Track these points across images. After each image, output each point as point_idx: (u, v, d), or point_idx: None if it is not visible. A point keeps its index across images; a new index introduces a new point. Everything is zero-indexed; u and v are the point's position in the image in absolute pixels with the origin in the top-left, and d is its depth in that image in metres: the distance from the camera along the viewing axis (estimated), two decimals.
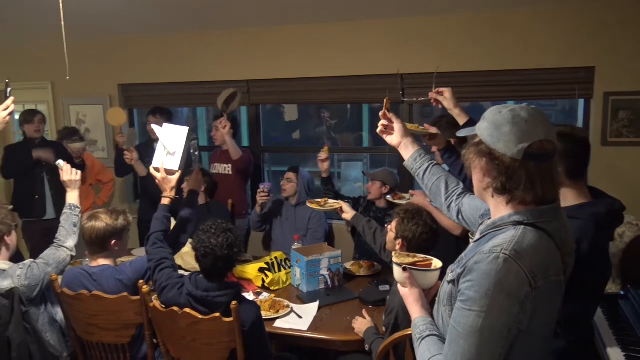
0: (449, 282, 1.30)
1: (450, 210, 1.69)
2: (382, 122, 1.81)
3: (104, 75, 4.64)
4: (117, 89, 4.70)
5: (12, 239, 2.40)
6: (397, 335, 2.00)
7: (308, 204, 3.19)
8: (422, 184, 1.75)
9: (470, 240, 1.61)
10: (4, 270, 2.30)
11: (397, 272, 1.52)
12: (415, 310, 1.44)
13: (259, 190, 3.63)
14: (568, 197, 1.71)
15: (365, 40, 3.88)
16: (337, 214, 3.20)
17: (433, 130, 2.32)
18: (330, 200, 3.19)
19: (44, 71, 4.87)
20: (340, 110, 6.79)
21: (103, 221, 2.36)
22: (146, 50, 4.50)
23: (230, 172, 3.95)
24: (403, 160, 1.81)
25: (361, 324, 2.40)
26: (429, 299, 1.51)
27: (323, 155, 3.40)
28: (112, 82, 4.68)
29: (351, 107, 6.86)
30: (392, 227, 2.38)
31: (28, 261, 2.36)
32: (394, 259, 1.57)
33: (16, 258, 2.48)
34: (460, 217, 1.66)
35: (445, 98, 2.39)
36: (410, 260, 1.59)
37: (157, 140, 3.99)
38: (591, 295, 1.75)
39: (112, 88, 4.69)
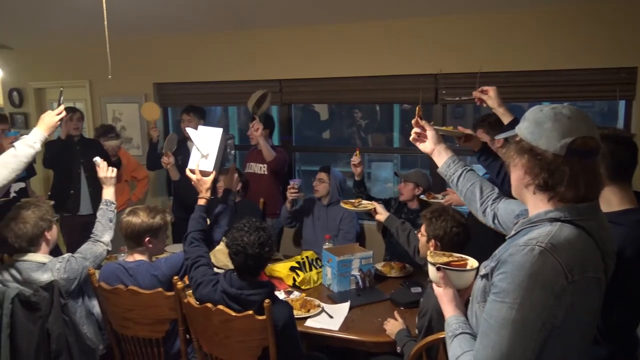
0: (482, 277, 1.29)
1: (485, 215, 1.68)
2: (415, 129, 1.81)
3: (140, 74, 4.73)
4: (152, 87, 4.79)
5: (52, 234, 2.47)
6: (430, 338, 1.97)
7: (342, 204, 3.18)
8: (457, 190, 1.75)
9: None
10: (44, 264, 2.36)
11: (432, 271, 1.51)
12: (448, 309, 1.44)
13: (289, 187, 3.65)
14: (612, 201, 1.66)
15: (399, 39, 3.85)
16: (367, 214, 3.19)
17: (468, 131, 2.29)
18: (364, 201, 3.17)
19: (83, 70, 5.00)
20: (372, 110, 6.76)
21: (140, 217, 2.41)
22: (181, 50, 4.57)
23: (266, 172, 3.98)
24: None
25: (393, 325, 2.38)
26: (464, 299, 1.49)
27: (356, 159, 3.38)
28: (148, 81, 4.77)
29: (382, 108, 6.82)
30: (422, 231, 2.37)
31: (67, 255, 2.43)
32: (429, 259, 1.56)
33: (54, 252, 2.55)
34: (496, 221, 1.65)
35: (490, 97, 2.35)
36: (445, 259, 1.58)
37: (189, 138, 4.09)
38: (634, 304, 1.70)
39: (148, 87, 4.78)
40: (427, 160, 4.08)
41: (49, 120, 2.38)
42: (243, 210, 3.55)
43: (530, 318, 1.14)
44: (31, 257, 2.36)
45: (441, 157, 1.76)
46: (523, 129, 1.27)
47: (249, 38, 4.31)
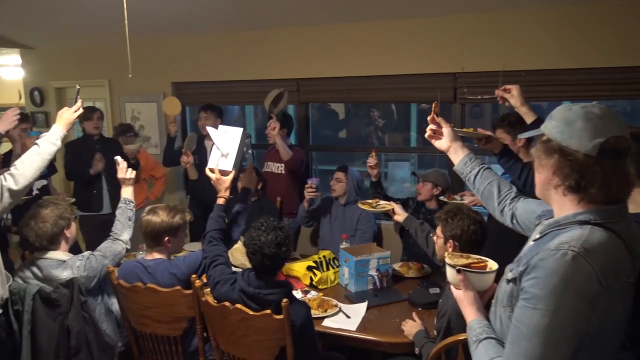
0: (508, 282, 1.26)
1: (503, 214, 1.64)
2: (431, 126, 1.78)
3: (159, 73, 4.76)
4: (171, 86, 4.82)
5: (71, 232, 2.49)
6: (449, 339, 1.95)
7: (360, 205, 3.16)
8: (474, 189, 1.71)
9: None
10: (64, 261, 2.39)
11: (451, 274, 1.49)
12: (470, 313, 1.41)
13: (306, 186, 3.64)
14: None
15: (417, 38, 3.81)
16: (385, 215, 3.16)
17: (488, 133, 2.26)
18: (382, 202, 3.15)
19: (102, 70, 5.06)
20: (388, 109, 6.73)
21: (160, 217, 2.43)
22: (199, 49, 4.59)
23: (283, 172, 3.98)
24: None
25: (411, 326, 2.36)
26: (484, 301, 1.46)
27: (372, 161, 3.35)
28: (166, 80, 4.80)
29: (398, 107, 6.78)
30: (438, 233, 2.34)
31: (86, 253, 2.45)
32: (447, 260, 1.53)
33: (74, 249, 2.58)
34: (514, 221, 1.61)
35: (513, 96, 2.32)
36: (464, 261, 1.54)
37: (207, 136, 4.11)
38: None
39: (166, 86, 4.81)
40: (446, 160, 4.03)
41: (68, 117, 2.40)
42: (261, 209, 3.55)
43: (564, 325, 1.12)
44: (51, 254, 2.39)
45: (457, 155, 1.73)
46: (551, 128, 1.23)
47: (267, 37, 4.31)
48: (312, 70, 4.21)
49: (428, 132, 1.80)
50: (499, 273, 1.41)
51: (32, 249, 2.45)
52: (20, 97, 4.57)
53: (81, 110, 2.46)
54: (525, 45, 3.50)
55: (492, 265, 1.56)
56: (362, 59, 4.01)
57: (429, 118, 1.78)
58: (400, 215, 2.92)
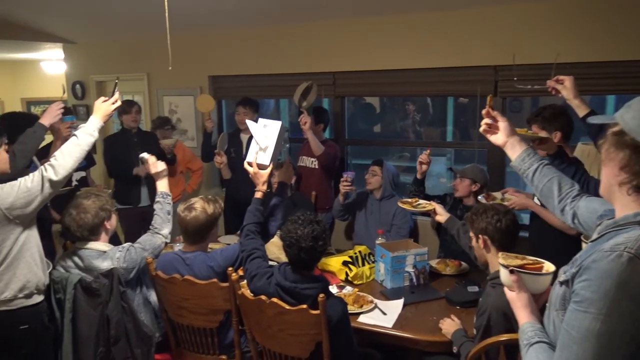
0: (561, 284, 1.20)
1: (564, 213, 1.56)
2: (486, 120, 1.71)
3: (196, 67, 4.80)
4: (207, 80, 4.85)
5: (111, 223, 2.53)
6: (490, 340, 1.90)
7: (399, 204, 3.11)
8: (532, 186, 1.63)
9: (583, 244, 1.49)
10: (105, 252, 2.43)
11: (504, 274, 1.43)
12: (523, 315, 1.35)
13: (342, 180, 3.61)
14: None
15: (456, 30, 3.72)
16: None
17: (543, 134, 2.19)
18: (422, 201, 3.08)
19: (141, 63, 5.14)
20: (424, 103, 6.63)
21: (203, 212, 2.43)
22: (236, 43, 4.61)
23: (316, 167, 3.97)
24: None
25: (449, 324, 2.32)
26: (539, 305, 1.40)
27: (425, 157, 3.28)
28: (203, 74, 4.84)
29: (434, 101, 6.68)
30: (470, 234, 2.28)
31: (126, 245, 2.49)
32: (501, 261, 1.47)
33: (113, 241, 2.62)
34: (576, 220, 1.53)
35: (565, 87, 2.23)
36: (519, 262, 1.49)
37: (243, 130, 4.13)
38: None
39: (203, 79, 4.85)
40: (484, 155, 3.95)
41: (105, 109, 2.42)
42: (296, 203, 3.55)
43: (618, 331, 1.06)
44: (92, 245, 2.44)
45: (515, 150, 1.64)
46: (629, 120, 1.13)
47: (303, 30, 4.28)
48: (348, 64, 4.17)
49: (483, 127, 1.72)
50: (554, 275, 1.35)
51: (74, 238, 2.50)
52: (64, 92, 4.69)
53: (119, 103, 2.48)
54: (577, 35, 3.35)
55: (549, 267, 1.49)
56: (399, 51, 3.94)
57: (483, 112, 1.71)
58: (442, 215, 2.85)
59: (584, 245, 1.55)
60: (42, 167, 2.19)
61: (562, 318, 1.17)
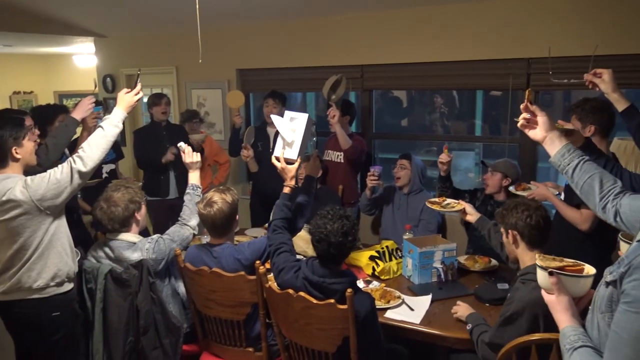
0: (607, 285, 1.16)
1: (605, 211, 1.50)
2: (524, 115, 1.66)
3: (224, 60, 4.81)
4: (235, 73, 4.86)
5: (141, 214, 2.56)
6: (522, 339, 1.86)
7: (427, 204, 3.06)
8: (572, 183, 1.57)
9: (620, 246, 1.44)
10: (134, 243, 2.46)
11: (542, 276, 1.39)
12: (564, 319, 1.31)
13: (369, 174, 3.58)
14: None
15: (486, 22, 3.64)
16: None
17: (568, 126, 2.12)
18: (450, 200, 3.02)
19: (170, 57, 5.18)
20: (450, 96, 6.53)
21: (224, 204, 2.42)
22: (264, 36, 4.61)
23: (342, 161, 3.94)
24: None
25: (464, 308, 2.34)
26: (580, 309, 1.36)
27: (445, 157, 3.22)
28: (231, 67, 4.85)
29: (461, 94, 6.56)
30: (501, 230, 2.24)
31: (155, 236, 2.51)
32: (538, 262, 1.43)
33: (142, 232, 2.65)
34: (617, 219, 1.47)
35: (604, 81, 2.16)
36: (557, 264, 1.43)
37: (270, 123, 4.13)
38: None
39: (231, 73, 4.87)
40: (515, 150, 3.87)
41: (129, 100, 2.45)
42: (323, 197, 3.53)
43: None
44: (123, 236, 2.47)
45: (554, 146, 1.59)
46: None
47: (331, 23, 4.26)
48: (376, 57, 4.13)
49: (521, 121, 1.68)
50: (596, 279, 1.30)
51: (105, 230, 2.54)
52: (95, 86, 4.78)
53: (141, 94, 2.51)
54: (612, 27, 3.25)
55: (589, 269, 1.44)
56: (428, 44, 3.88)
57: (522, 106, 1.67)
58: (472, 215, 2.79)
59: (622, 245, 1.49)
60: (70, 158, 2.23)
61: (608, 321, 1.13)
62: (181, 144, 2.79)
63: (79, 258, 2.41)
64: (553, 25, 3.42)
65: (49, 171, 2.20)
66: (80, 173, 2.20)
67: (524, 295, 1.95)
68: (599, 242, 2.56)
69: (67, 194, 2.21)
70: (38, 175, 2.18)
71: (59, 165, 2.22)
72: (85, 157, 2.22)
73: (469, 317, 2.26)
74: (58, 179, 2.17)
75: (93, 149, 2.25)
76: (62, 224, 2.29)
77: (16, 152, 2.19)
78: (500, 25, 3.60)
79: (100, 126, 2.33)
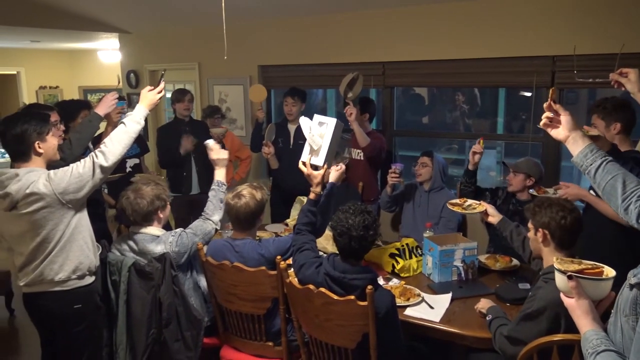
0: (631, 287, 1.14)
1: (628, 212, 1.47)
2: (547, 114, 1.64)
3: (246, 56, 4.84)
4: (257, 69, 4.89)
5: (164, 214, 2.59)
6: (543, 339, 1.85)
7: (448, 206, 3.04)
8: (594, 184, 1.55)
9: None
10: (158, 236, 2.50)
11: (561, 280, 1.37)
12: (585, 323, 1.30)
13: (390, 171, 3.57)
14: None
15: (511, 18, 3.60)
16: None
17: (594, 132, 2.10)
18: (471, 201, 2.99)
19: (193, 53, 5.23)
20: (472, 94, 6.47)
21: (252, 199, 2.46)
22: (285, 32, 4.62)
23: (362, 158, 3.95)
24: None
25: (485, 302, 2.35)
26: (600, 312, 1.34)
27: (478, 148, 3.20)
28: (253, 64, 4.88)
29: (483, 92, 6.50)
30: (529, 226, 2.22)
31: (179, 230, 2.55)
32: (556, 265, 1.41)
33: (164, 227, 2.68)
34: None
35: (630, 80, 2.12)
36: (576, 267, 1.41)
37: (291, 120, 4.14)
38: None
39: (253, 69, 4.90)
40: (538, 149, 3.82)
41: (151, 98, 2.49)
42: (343, 194, 3.53)
43: None
44: (146, 229, 2.51)
45: (577, 146, 1.57)
46: None
47: (353, 19, 4.25)
48: (398, 54, 4.11)
49: (544, 120, 1.65)
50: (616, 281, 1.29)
51: (127, 222, 2.58)
52: (119, 82, 4.85)
53: (163, 93, 2.55)
54: (639, 26, 3.19)
55: (609, 271, 1.41)
56: (451, 41, 3.86)
57: (545, 105, 1.65)
58: (494, 217, 2.76)
59: None
60: (92, 153, 2.27)
61: (632, 324, 1.12)
62: (209, 142, 2.81)
63: (100, 252, 2.45)
64: (579, 22, 3.37)
65: (71, 165, 2.23)
66: (102, 168, 2.24)
67: (547, 293, 1.93)
68: (633, 243, 2.51)
69: (89, 188, 2.24)
70: (61, 169, 2.21)
71: (82, 160, 2.25)
72: (107, 152, 2.26)
73: (490, 309, 2.27)
74: (80, 172, 2.20)
75: (115, 145, 2.29)
76: (83, 218, 2.32)
77: (39, 147, 2.21)
78: (525, 22, 3.56)
79: (122, 122, 2.37)
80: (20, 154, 2.21)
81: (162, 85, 2.56)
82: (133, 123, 2.37)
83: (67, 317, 2.30)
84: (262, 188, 2.57)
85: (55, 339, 2.37)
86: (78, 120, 3.34)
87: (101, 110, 2.96)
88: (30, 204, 2.14)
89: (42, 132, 2.23)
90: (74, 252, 2.26)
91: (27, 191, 2.12)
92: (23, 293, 2.32)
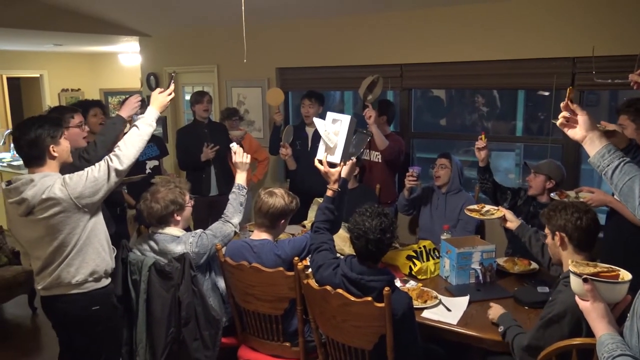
0: None
1: None
2: (564, 113, 1.63)
3: (264, 59, 4.87)
4: (275, 72, 4.92)
5: (182, 216, 2.61)
6: (562, 343, 1.84)
7: (466, 212, 3.03)
8: (611, 184, 1.54)
9: None
10: (178, 237, 2.54)
11: (576, 283, 1.36)
12: (600, 327, 1.29)
13: (407, 174, 3.57)
14: None
15: (531, 20, 3.57)
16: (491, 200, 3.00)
17: (611, 127, 2.07)
18: (489, 207, 2.97)
19: (212, 55, 5.28)
20: (491, 96, 6.42)
21: (282, 200, 2.50)
22: (303, 35, 4.64)
23: (380, 160, 3.95)
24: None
25: (497, 309, 2.32)
26: (616, 315, 1.33)
27: (480, 143, 3.21)
28: (271, 66, 4.91)
29: (502, 94, 6.44)
30: (546, 232, 2.20)
31: (199, 231, 2.58)
32: (572, 268, 1.40)
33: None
34: None
35: None
36: (592, 270, 1.40)
37: (309, 123, 4.16)
38: None
39: (271, 71, 4.93)
40: (557, 151, 3.78)
41: (162, 100, 2.52)
42: (360, 196, 3.54)
43: None
44: (167, 230, 2.55)
45: (594, 146, 1.55)
46: None
47: (370, 22, 4.26)
48: (416, 56, 4.11)
49: (560, 120, 1.64)
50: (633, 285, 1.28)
51: (146, 223, 2.62)
52: (142, 85, 4.91)
53: (173, 95, 2.57)
54: None
55: (625, 275, 1.40)
56: (469, 43, 3.84)
57: (562, 105, 1.63)
58: (513, 222, 2.73)
59: None
60: (107, 157, 2.28)
61: None
62: (233, 145, 2.83)
63: (115, 254, 2.46)
64: (599, 24, 3.33)
65: (86, 169, 2.24)
66: (117, 171, 2.24)
67: (567, 297, 1.91)
68: None
69: (104, 192, 2.24)
70: (76, 173, 2.22)
71: (97, 164, 2.26)
72: (122, 156, 2.27)
73: (501, 319, 2.25)
74: (96, 177, 2.21)
75: (129, 148, 2.30)
76: (99, 221, 2.33)
77: (53, 151, 2.21)
78: (545, 24, 3.53)
79: (135, 125, 2.38)
80: (35, 159, 2.21)
81: (172, 87, 2.58)
82: (145, 125, 2.39)
83: (85, 318, 2.31)
84: (295, 198, 2.63)
85: (74, 341, 2.39)
86: (89, 118, 3.41)
87: (125, 112, 2.99)
88: (47, 209, 2.14)
89: (56, 135, 2.23)
90: (90, 255, 2.27)
91: (44, 196, 2.12)
92: (41, 296, 2.34)
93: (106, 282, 2.37)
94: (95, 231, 2.30)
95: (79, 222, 2.21)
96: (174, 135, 5.83)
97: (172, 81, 2.63)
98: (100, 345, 2.38)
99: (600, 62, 3.19)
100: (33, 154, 2.21)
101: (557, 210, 2.12)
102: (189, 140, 4.40)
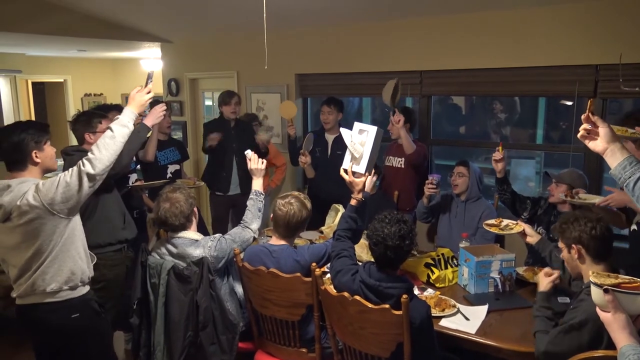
0: None
1: None
2: (585, 125, 1.62)
3: (283, 65, 4.90)
4: (294, 78, 4.94)
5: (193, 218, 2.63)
6: (582, 355, 1.80)
7: (485, 227, 3.01)
8: (633, 196, 1.52)
9: None
10: (197, 241, 2.55)
11: (597, 294, 1.35)
12: (621, 338, 1.28)
13: (427, 182, 3.55)
14: None
15: (553, 27, 3.54)
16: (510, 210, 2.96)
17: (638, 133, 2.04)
18: (507, 221, 2.95)
19: (232, 62, 5.33)
20: (511, 103, 6.37)
21: (306, 208, 2.54)
22: (322, 41, 4.66)
23: (402, 166, 3.93)
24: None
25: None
26: (637, 327, 1.31)
27: (498, 155, 3.18)
28: (290, 72, 4.94)
29: (522, 101, 6.39)
30: (561, 246, 2.17)
31: (217, 235, 2.60)
32: (592, 279, 1.39)
33: (200, 228, 2.72)
34: None
35: None
36: (613, 281, 1.39)
37: (328, 129, 4.17)
38: None
39: (290, 77, 4.96)
40: (579, 159, 3.73)
41: (139, 100, 2.46)
42: (381, 202, 3.53)
43: None
44: (185, 234, 2.56)
45: (615, 158, 1.55)
46: None
47: (390, 29, 4.26)
48: (435, 63, 4.10)
49: (581, 132, 1.64)
50: None
51: (165, 227, 2.64)
52: (164, 92, 4.97)
53: (152, 94, 2.51)
54: None
55: None
56: (489, 50, 3.82)
57: (583, 117, 1.63)
58: (533, 237, 2.72)
59: None
60: (80, 161, 2.21)
61: None
62: (248, 152, 2.83)
63: (94, 262, 2.43)
64: (623, 32, 3.28)
65: (59, 174, 2.20)
66: (89, 175, 2.18)
67: (589, 306, 1.88)
68: None
69: (78, 198, 2.18)
70: (49, 179, 2.17)
71: (69, 169, 2.20)
72: (94, 160, 2.20)
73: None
74: (67, 182, 2.15)
75: (102, 151, 2.22)
76: (77, 229, 2.28)
77: (36, 156, 2.18)
78: (567, 31, 3.50)
79: (109, 127, 2.31)
80: (17, 163, 2.18)
81: (150, 85, 2.52)
82: (119, 127, 2.31)
83: (67, 327, 2.26)
84: (308, 199, 2.63)
85: (60, 350, 2.29)
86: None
87: (149, 121, 2.95)
88: (22, 216, 2.10)
89: (40, 141, 2.19)
90: (66, 262, 2.22)
91: (19, 203, 2.09)
92: (16, 306, 2.26)
93: (83, 290, 2.32)
94: (72, 238, 2.25)
95: (55, 229, 2.17)
96: (194, 139, 5.90)
97: (150, 80, 2.56)
98: (87, 351, 2.32)
99: (625, 69, 3.15)
100: (15, 158, 2.17)
101: (569, 223, 2.10)
102: (213, 132, 4.39)
